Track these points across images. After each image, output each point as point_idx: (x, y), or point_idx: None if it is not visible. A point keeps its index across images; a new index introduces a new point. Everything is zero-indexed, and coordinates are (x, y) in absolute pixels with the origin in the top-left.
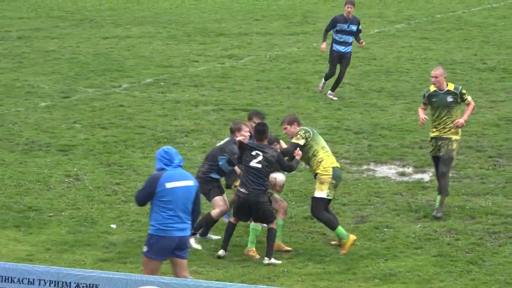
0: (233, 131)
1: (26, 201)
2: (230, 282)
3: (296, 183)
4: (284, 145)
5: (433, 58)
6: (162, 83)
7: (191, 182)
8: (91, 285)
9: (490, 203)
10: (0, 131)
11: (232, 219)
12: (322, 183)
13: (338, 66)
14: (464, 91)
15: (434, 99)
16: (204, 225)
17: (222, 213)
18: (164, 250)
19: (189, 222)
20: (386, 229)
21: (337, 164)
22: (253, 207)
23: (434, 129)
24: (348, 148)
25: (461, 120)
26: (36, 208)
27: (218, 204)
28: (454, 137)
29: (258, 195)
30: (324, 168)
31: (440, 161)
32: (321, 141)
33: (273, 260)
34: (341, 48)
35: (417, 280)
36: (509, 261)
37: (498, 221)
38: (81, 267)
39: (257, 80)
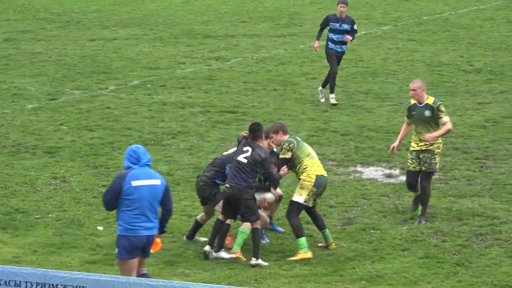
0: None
1: (13, 203)
2: (217, 284)
3: (282, 185)
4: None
5: (420, 60)
6: (149, 85)
7: (158, 181)
8: (78, 287)
9: (476, 205)
10: None
11: (220, 217)
12: (302, 188)
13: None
14: (442, 109)
15: (413, 112)
16: (216, 233)
17: None
18: (135, 249)
19: (156, 221)
20: (372, 231)
21: (322, 172)
22: (236, 203)
23: (414, 144)
24: (335, 150)
25: (430, 135)
26: (23, 210)
27: None
28: (436, 150)
29: (242, 190)
30: (307, 174)
31: (421, 175)
32: (306, 149)
33: (260, 261)
34: (336, 47)
35: (403, 282)
36: (496, 262)
37: (485, 222)
38: (68, 269)
39: (244, 82)
